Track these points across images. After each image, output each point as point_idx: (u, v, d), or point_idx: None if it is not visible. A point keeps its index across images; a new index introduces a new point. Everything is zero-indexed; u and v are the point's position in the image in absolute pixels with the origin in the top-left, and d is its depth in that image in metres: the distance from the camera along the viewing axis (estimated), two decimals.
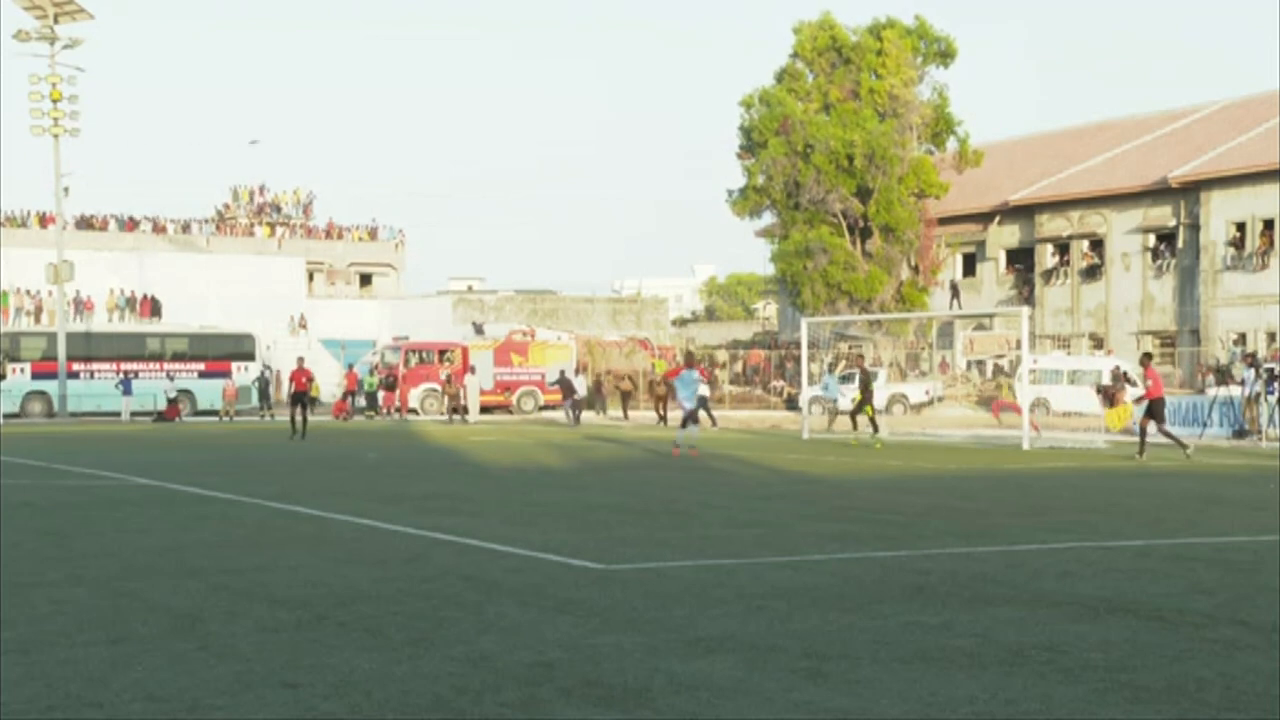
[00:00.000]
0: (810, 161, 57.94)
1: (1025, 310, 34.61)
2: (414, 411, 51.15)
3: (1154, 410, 25.67)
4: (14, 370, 49.40)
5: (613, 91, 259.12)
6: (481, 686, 6.54)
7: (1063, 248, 60.12)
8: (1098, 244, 58.73)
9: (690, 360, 27.91)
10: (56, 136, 53.93)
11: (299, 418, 33.88)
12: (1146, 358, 27.55)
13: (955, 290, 62.37)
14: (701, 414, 40.50)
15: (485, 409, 50.65)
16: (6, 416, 47.02)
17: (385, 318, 72.08)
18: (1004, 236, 62.58)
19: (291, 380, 35.53)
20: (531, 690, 6.46)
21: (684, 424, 26.35)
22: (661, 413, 42.89)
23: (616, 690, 6.46)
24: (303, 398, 34.30)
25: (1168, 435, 25.95)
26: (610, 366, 56.74)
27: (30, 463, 24.07)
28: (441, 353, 54.24)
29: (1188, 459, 24.75)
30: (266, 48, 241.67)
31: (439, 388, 50.16)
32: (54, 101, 53.81)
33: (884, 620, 8.28)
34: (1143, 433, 25.75)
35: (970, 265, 64.31)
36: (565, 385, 45.55)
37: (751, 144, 60.92)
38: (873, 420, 31.16)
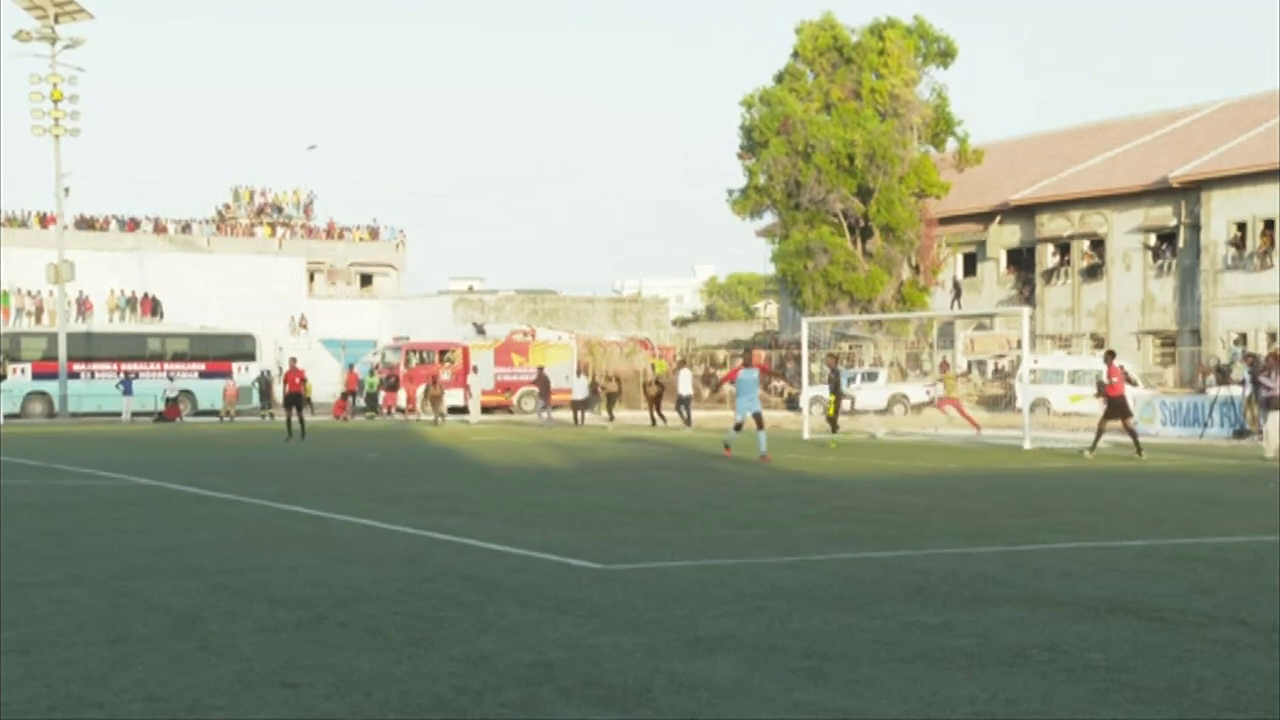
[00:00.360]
0: (811, 161, 57.96)
1: (1026, 310, 34.61)
2: (412, 411, 51.14)
3: (1113, 407, 25.82)
4: (15, 370, 49.42)
5: (613, 91, 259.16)
6: (482, 686, 6.53)
7: (1063, 247, 60.13)
8: (1098, 244, 58.74)
9: (749, 359, 26.18)
10: (57, 137, 53.96)
11: (294, 419, 33.87)
12: (1110, 355, 27.58)
13: (958, 289, 62.39)
14: (677, 413, 40.48)
15: (486, 409, 50.66)
16: (7, 417, 47.03)
17: (386, 318, 72.11)
18: (1004, 236, 62.58)
19: (285, 381, 35.55)
20: (532, 690, 6.46)
21: (759, 427, 24.22)
22: (656, 414, 42.75)
23: (617, 690, 6.46)
24: (296, 399, 34.31)
25: (1100, 433, 25.95)
26: (611, 367, 56.74)
27: (30, 463, 24.08)
28: (442, 353, 54.28)
29: (1088, 457, 24.91)
30: (266, 48, 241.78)
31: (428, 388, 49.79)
32: (55, 101, 53.84)
33: (884, 620, 8.27)
34: (1131, 432, 25.78)
35: (971, 265, 64.32)
36: (543, 384, 45.26)
37: (752, 144, 60.94)
38: (833, 420, 32.00)
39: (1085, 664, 7.00)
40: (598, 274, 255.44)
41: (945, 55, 60.90)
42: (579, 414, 44.83)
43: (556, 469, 23.02)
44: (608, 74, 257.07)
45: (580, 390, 46.21)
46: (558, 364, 53.63)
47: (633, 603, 8.92)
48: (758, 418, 24.20)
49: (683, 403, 40.59)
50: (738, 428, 24.52)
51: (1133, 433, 25.72)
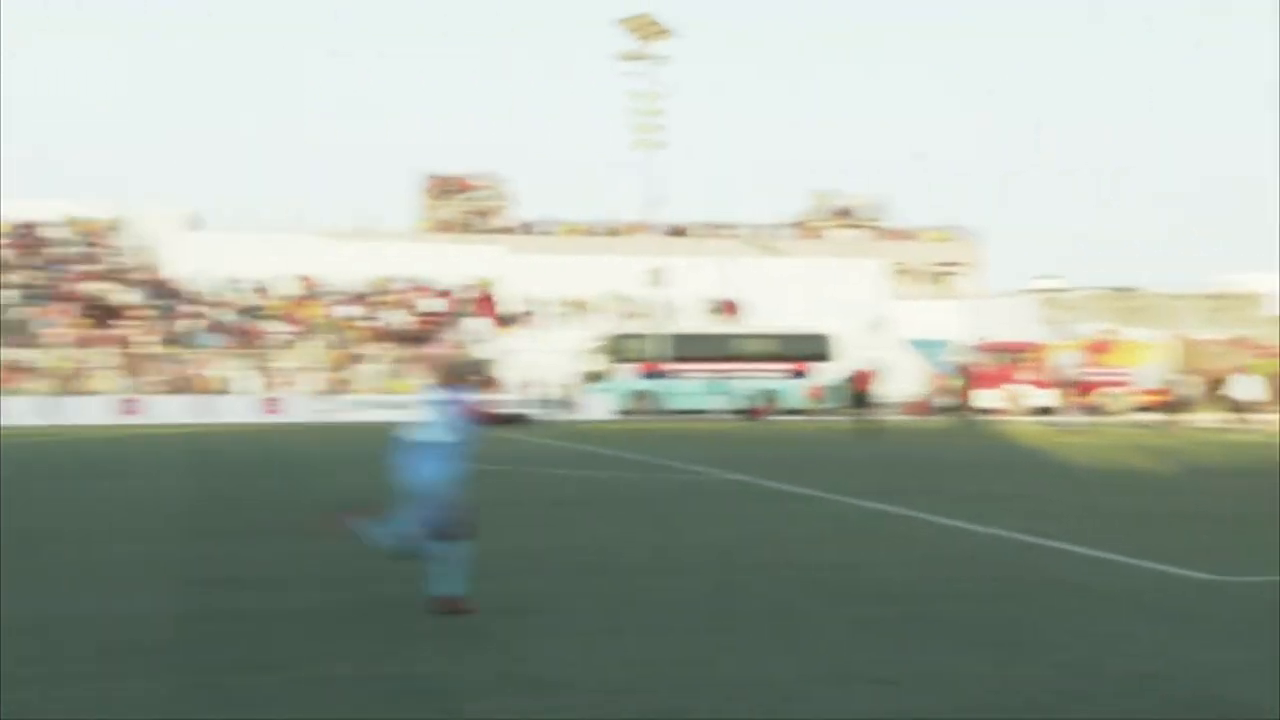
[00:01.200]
0: None
1: None
2: (992, 411, 50.40)
3: None
4: (621, 370, 53.13)
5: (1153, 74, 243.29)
6: (1080, 693, 6.35)
7: None
8: None
9: None
10: (651, 150, 57.46)
11: (866, 417, 34.80)
12: None
13: None
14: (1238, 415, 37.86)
15: (1074, 409, 49.17)
16: (618, 413, 50.88)
17: (965, 317, 71.49)
18: None
19: (855, 381, 36.56)
20: (1135, 702, 6.20)
21: None
22: (1235, 416, 40.09)
23: (1235, 709, 6.07)
24: (864, 398, 35.28)
25: None
26: (1207, 366, 53.57)
27: (637, 458, 25.68)
28: (1020, 352, 53.28)
29: None
30: (840, 61, 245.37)
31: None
32: (649, 116, 57.30)
33: None
34: None
35: None
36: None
37: None
38: None
39: None
40: (1188, 269, 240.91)
41: None
42: (1173, 415, 42.67)
43: (1146, 472, 21.95)
44: (1152, 63, 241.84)
45: (1178, 390, 44.32)
46: (1146, 364, 51.29)
47: (1247, 618, 8.37)
48: None
49: (1241, 407, 38.52)
50: None
51: None
